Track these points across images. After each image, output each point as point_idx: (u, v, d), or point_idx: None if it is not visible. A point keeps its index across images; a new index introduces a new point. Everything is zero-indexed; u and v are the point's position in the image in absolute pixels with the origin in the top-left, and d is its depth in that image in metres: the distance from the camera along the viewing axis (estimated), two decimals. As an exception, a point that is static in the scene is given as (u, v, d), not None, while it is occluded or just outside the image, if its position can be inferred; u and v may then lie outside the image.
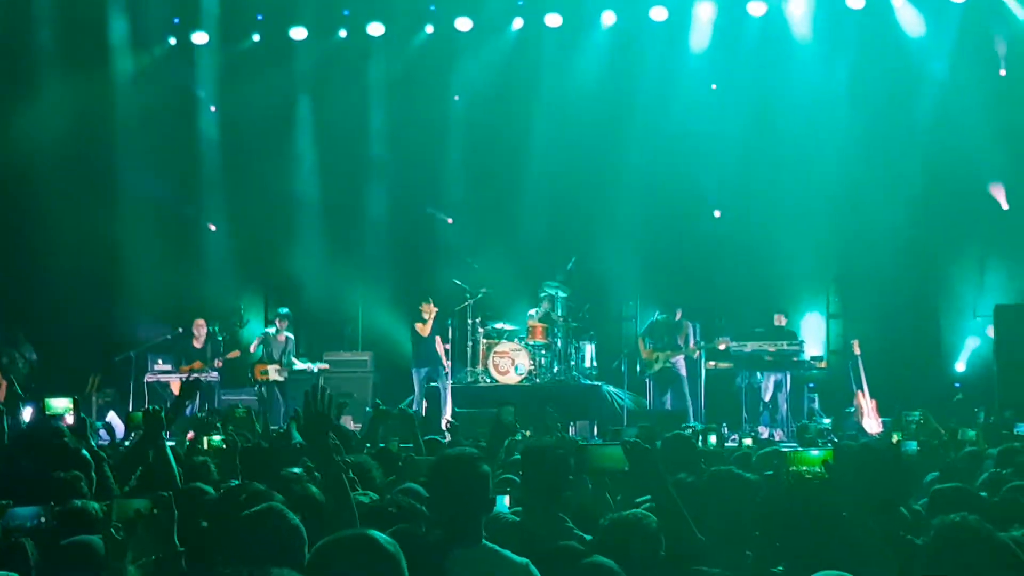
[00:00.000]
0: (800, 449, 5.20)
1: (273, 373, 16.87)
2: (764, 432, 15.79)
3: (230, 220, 19.36)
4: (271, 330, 17.37)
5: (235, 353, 17.27)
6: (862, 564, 4.11)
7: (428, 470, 4.82)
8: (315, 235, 19.62)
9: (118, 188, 18.65)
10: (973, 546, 3.82)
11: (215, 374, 16.90)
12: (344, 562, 3.31)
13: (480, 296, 17.53)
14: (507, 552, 4.61)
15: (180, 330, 17.40)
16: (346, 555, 3.34)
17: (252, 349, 17.25)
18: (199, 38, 18.99)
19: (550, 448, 5.57)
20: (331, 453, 4.64)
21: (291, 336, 17.26)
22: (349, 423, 14.28)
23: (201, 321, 17.40)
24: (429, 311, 16.93)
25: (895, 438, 10.70)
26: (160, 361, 16.95)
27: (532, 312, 17.29)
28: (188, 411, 16.30)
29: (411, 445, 8.74)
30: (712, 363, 16.61)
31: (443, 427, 13.40)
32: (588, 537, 4.98)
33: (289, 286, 19.31)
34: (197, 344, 17.25)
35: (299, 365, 17.05)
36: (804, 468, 4.99)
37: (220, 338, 17.39)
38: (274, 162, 19.64)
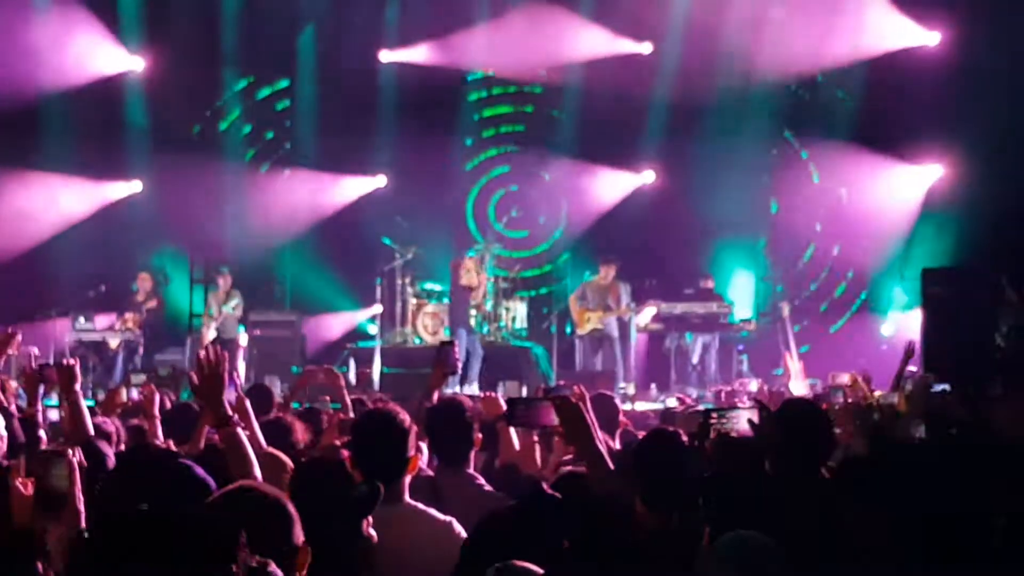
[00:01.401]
0: (725, 410, 5.14)
1: (211, 333, 16.63)
2: (693, 393, 15.85)
3: (153, 177, 18.96)
4: (217, 292, 17.10)
5: (153, 303, 17.00)
6: (787, 523, 4.09)
7: (349, 428, 4.74)
8: (240, 193, 19.34)
9: (39, 142, 18.21)
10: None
11: (138, 332, 16.66)
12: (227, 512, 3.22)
13: (410, 256, 17.41)
14: (431, 510, 4.55)
15: (103, 288, 17.14)
16: (229, 506, 3.27)
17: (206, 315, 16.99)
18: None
19: (456, 406, 5.50)
20: (225, 412, 4.51)
21: (237, 294, 17.01)
22: (276, 384, 14.10)
23: (145, 275, 17.16)
24: None
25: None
26: (82, 318, 16.68)
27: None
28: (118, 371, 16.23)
29: (339, 405, 8.65)
30: (642, 324, 16.61)
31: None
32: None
33: (214, 245, 19.04)
34: (139, 299, 17.00)
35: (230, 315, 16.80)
36: (729, 429, 4.95)
37: (160, 291, 17.21)
38: (199, 114, 19.33)
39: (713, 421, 4.90)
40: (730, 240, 18.49)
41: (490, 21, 18.42)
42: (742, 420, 4.89)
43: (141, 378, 12.12)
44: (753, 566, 3.65)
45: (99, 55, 18.33)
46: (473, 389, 14.75)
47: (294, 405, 8.85)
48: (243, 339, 16.85)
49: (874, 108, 17.87)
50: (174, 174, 18.77)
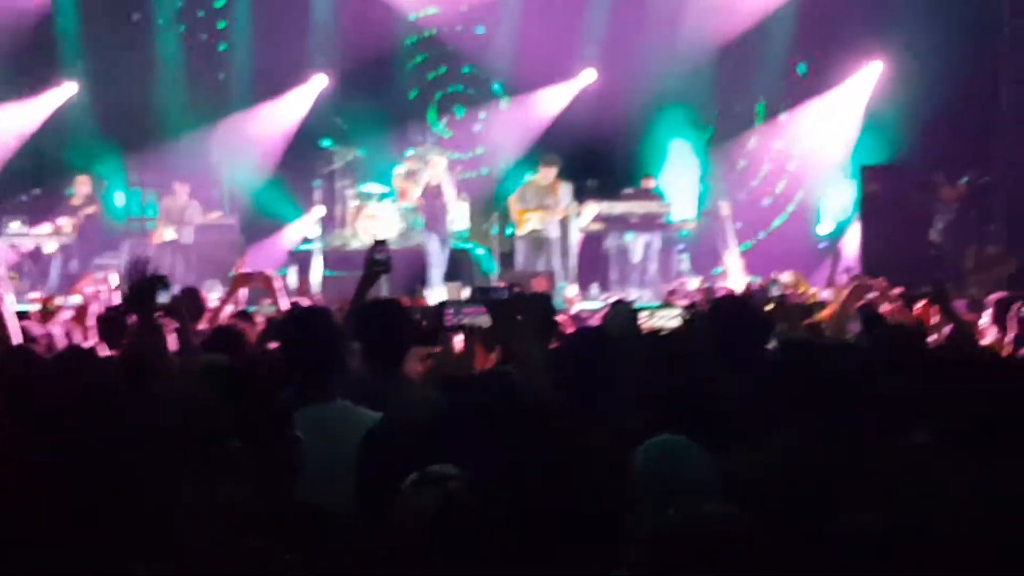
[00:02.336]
0: (654, 306, 5.16)
1: (168, 233, 16.48)
2: (634, 294, 15.93)
3: (89, 76, 18.60)
4: (169, 197, 16.90)
5: (92, 208, 16.77)
6: (720, 418, 4.12)
7: (278, 327, 4.71)
8: (178, 95, 19.05)
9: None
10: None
11: (75, 236, 16.46)
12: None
13: (350, 158, 17.27)
14: (361, 408, 4.54)
15: (37, 191, 16.88)
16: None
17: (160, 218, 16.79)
18: None
19: (388, 306, 5.46)
20: (154, 321, 4.47)
21: (195, 203, 16.84)
22: (217, 287, 14.01)
23: (83, 178, 16.89)
24: None
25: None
26: (16, 223, 16.43)
27: (399, 172, 17.09)
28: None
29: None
30: (582, 224, 16.60)
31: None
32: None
33: (152, 148, 18.77)
34: (76, 203, 16.76)
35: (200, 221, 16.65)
36: (660, 324, 4.96)
37: (102, 197, 16.98)
38: (132, 13, 19.00)
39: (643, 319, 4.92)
40: (672, 139, 18.51)
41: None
42: (673, 317, 4.91)
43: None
44: (677, 471, 3.68)
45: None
46: (436, 293, 14.79)
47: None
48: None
49: (814, 17, 17.88)
50: (109, 75, 18.50)
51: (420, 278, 15.25)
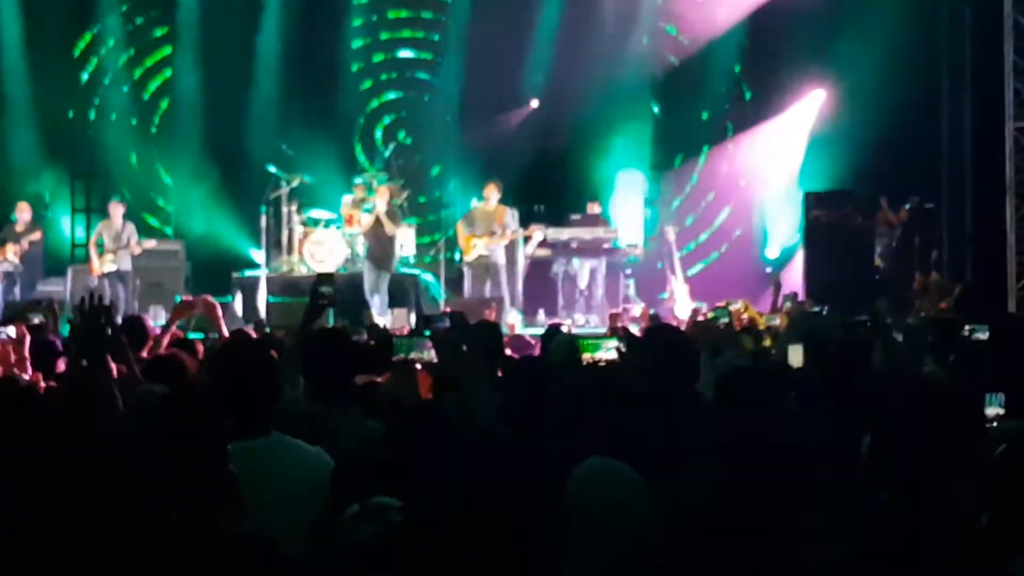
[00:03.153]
0: (596, 336, 5.19)
1: (107, 264, 16.28)
2: (580, 319, 15.98)
3: (32, 101, 18.46)
4: (106, 221, 16.70)
5: (35, 235, 16.60)
6: (651, 448, 4.14)
7: (213, 358, 4.68)
8: (124, 116, 18.96)
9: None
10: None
11: (18, 263, 16.30)
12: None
13: (297, 184, 17.24)
14: (298, 441, 4.52)
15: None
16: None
17: (92, 244, 16.55)
18: None
19: (332, 336, 5.46)
20: (106, 363, 4.43)
21: (131, 226, 16.64)
22: (161, 314, 13.91)
23: (24, 204, 16.71)
24: None
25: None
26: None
27: (346, 200, 17.06)
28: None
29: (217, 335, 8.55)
30: (528, 250, 16.64)
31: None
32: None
33: (97, 171, 18.68)
34: (19, 229, 16.55)
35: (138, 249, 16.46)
36: (598, 354, 4.99)
37: (40, 219, 16.79)
38: (77, 35, 18.90)
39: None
40: (618, 165, 18.59)
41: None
42: (609, 348, 4.93)
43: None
44: (609, 493, 3.70)
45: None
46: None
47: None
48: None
49: (759, 46, 18.09)
50: (54, 97, 18.39)
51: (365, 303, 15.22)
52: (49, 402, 4.31)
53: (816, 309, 10.81)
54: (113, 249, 16.33)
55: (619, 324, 11.60)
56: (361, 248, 16.59)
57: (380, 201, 15.86)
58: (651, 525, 3.71)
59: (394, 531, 3.24)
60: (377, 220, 15.74)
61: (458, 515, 3.32)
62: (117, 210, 16.61)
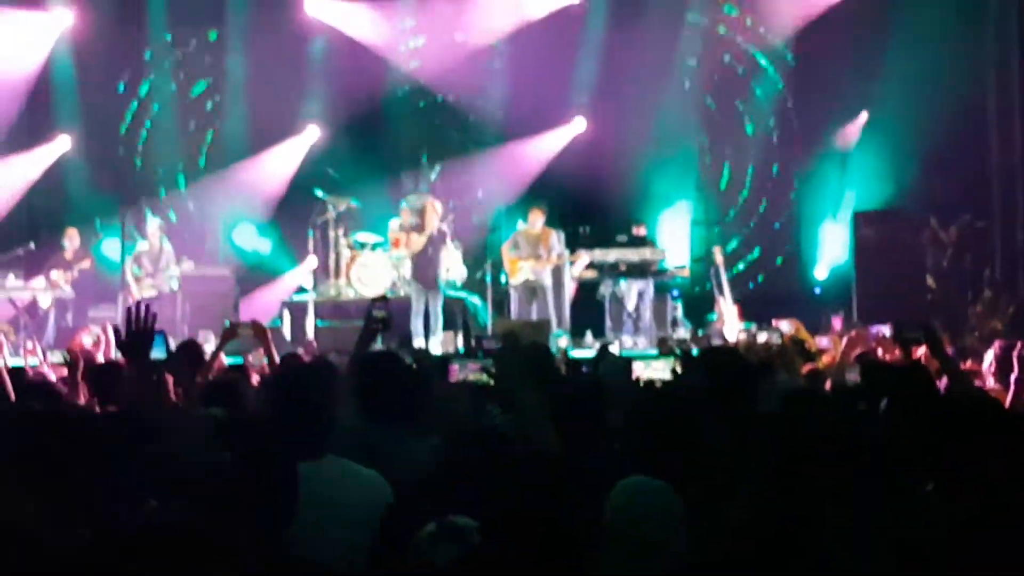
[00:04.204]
0: (647, 356, 5.17)
1: (146, 288, 16.43)
2: (628, 341, 15.91)
3: (84, 131, 18.70)
4: (144, 244, 16.89)
5: (85, 261, 16.77)
6: (710, 468, 4.11)
7: (270, 382, 4.70)
8: (171, 145, 19.16)
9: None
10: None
11: (69, 289, 16.47)
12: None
13: (343, 208, 17.31)
14: (354, 464, 4.52)
15: (32, 245, 16.88)
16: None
17: (129, 268, 16.72)
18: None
19: (387, 360, 5.46)
20: (150, 371, 4.45)
21: (168, 248, 16.80)
22: (210, 338, 13.98)
23: (73, 231, 16.89)
24: None
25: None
26: (11, 276, 16.42)
27: (392, 224, 17.12)
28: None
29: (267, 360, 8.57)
30: (575, 272, 16.61)
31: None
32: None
33: (146, 196, 18.86)
34: (68, 257, 16.74)
35: (176, 274, 16.59)
36: (654, 375, 4.96)
37: (90, 248, 16.98)
38: (127, 69, 19.11)
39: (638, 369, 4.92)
40: (664, 185, 18.57)
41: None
42: (665, 368, 4.91)
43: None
44: (647, 512, 3.67)
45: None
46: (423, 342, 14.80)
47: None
48: (174, 287, 16.69)
49: (804, 67, 18.04)
50: (103, 128, 18.63)
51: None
52: (106, 428, 4.32)
53: (875, 330, 10.67)
54: (152, 272, 16.47)
55: (668, 346, 11.50)
56: (407, 270, 16.64)
57: (432, 219, 15.87)
58: (688, 546, 3.69)
59: (475, 554, 3.22)
60: (428, 239, 15.75)
61: (531, 538, 3.30)
62: (155, 233, 16.75)
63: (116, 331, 4.55)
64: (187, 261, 16.79)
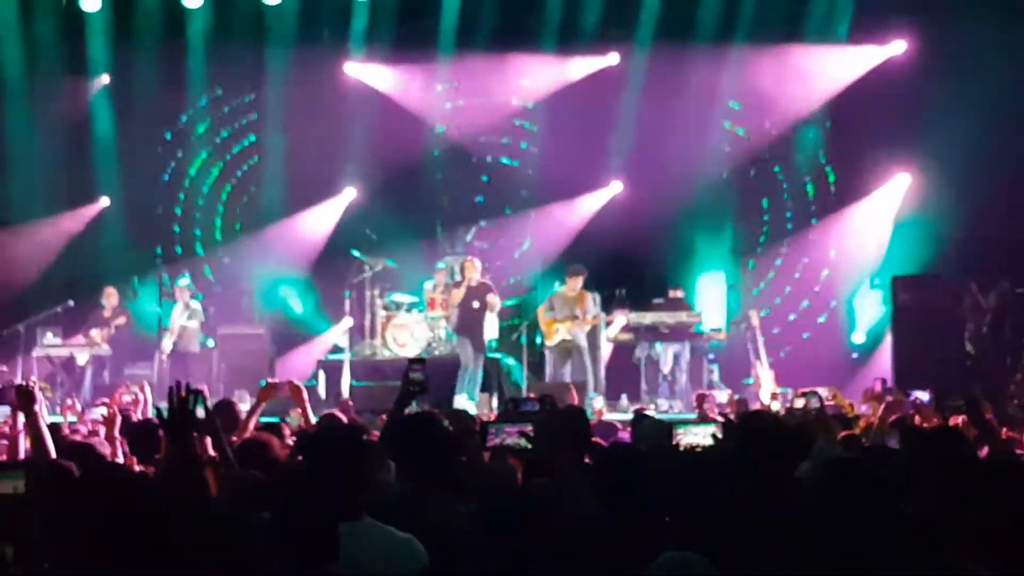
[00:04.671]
0: (688, 421, 5.13)
1: (175, 346, 16.58)
2: (664, 404, 15.83)
3: (123, 190, 18.91)
4: (178, 307, 17.03)
5: (122, 319, 16.90)
6: (751, 536, 4.06)
7: (308, 444, 4.68)
8: (209, 204, 19.34)
9: (4, 157, 18.15)
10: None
11: (106, 347, 16.59)
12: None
13: (379, 268, 17.38)
14: (390, 528, 4.50)
15: (71, 302, 17.03)
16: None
17: (161, 327, 16.87)
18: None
19: (422, 421, 5.43)
20: (191, 447, 4.46)
21: (197, 306, 16.93)
22: (245, 398, 14.01)
23: (111, 290, 17.04)
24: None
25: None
26: (50, 334, 16.56)
27: (428, 285, 17.18)
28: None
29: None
30: (611, 334, 16.58)
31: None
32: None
33: (184, 259, 19.03)
34: (106, 315, 16.88)
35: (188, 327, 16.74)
36: (693, 441, 4.92)
37: (128, 305, 17.13)
38: (167, 128, 19.37)
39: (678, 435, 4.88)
40: (700, 248, 18.56)
41: (453, 57, 18.53)
42: (705, 434, 4.86)
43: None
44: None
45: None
46: (463, 402, 14.80)
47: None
48: (205, 345, 16.80)
49: (842, 130, 18.04)
50: (142, 187, 18.84)
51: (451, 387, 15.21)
52: (143, 490, 4.31)
53: (913, 396, 10.55)
54: (181, 332, 16.61)
55: (706, 405, 11.39)
56: (442, 330, 16.67)
57: (472, 273, 15.89)
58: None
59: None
60: (468, 292, 15.77)
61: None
62: (184, 293, 16.91)
63: (158, 412, 4.55)
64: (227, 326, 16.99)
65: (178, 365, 16.24)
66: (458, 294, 15.85)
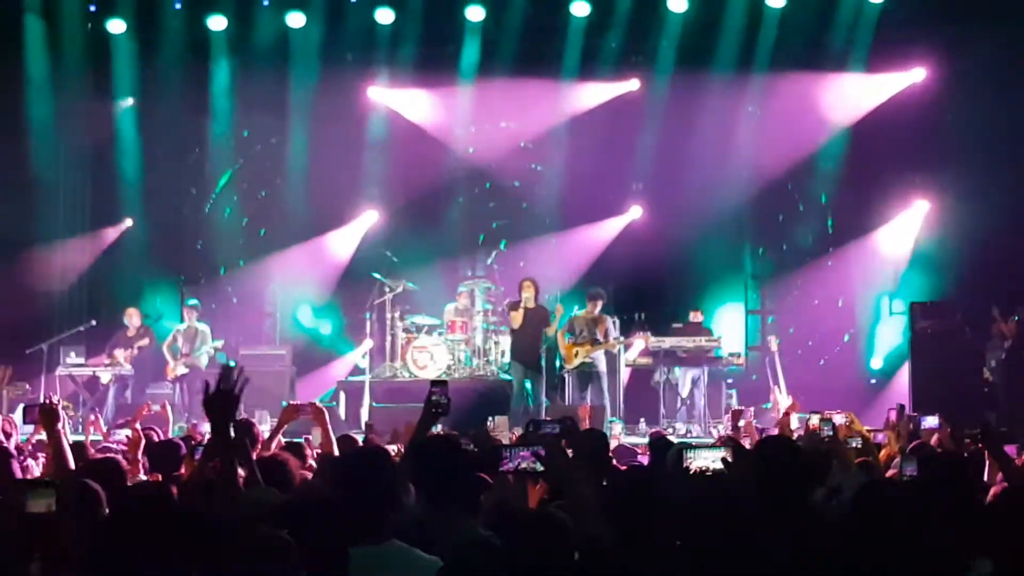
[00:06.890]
0: (699, 445, 5.18)
1: (182, 367, 16.72)
2: (682, 428, 15.86)
3: (146, 212, 19.07)
4: (181, 325, 17.24)
5: (144, 341, 17.05)
6: (762, 559, 4.11)
7: (333, 465, 4.75)
8: (233, 228, 19.48)
9: (30, 178, 18.30)
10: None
11: (128, 367, 16.73)
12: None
13: (400, 290, 17.47)
14: (415, 550, 4.56)
15: (94, 322, 17.20)
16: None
17: (167, 347, 17.06)
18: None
19: (445, 444, 5.48)
20: (229, 435, 4.54)
21: (203, 328, 17.09)
22: (266, 418, 14.10)
23: (133, 311, 17.19)
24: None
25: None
26: (73, 354, 16.71)
27: (449, 307, 17.28)
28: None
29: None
30: (630, 358, 16.64)
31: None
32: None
33: (206, 280, 19.17)
34: (130, 335, 17.03)
35: (206, 355, 16.89)
36: (705, 465, 4.97)
37: (150, 323, 17.28)
38: (189, 151, 19.52)
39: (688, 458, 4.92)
40: (719, 273, 18.60)
41: (474, 82, 18.65)
42: (715, 457, 4.91)
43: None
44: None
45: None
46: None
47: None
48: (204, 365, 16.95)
49: (861, 157, 18.06)
50: (165, 209, 18.99)
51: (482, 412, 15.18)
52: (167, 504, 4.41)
53: (928, 423, 10.53)
54: (187, 353, 16.76)
55: (742, 422, 11.19)
56: (462, 352, 16.79)
57: (529, 295, 16.04)
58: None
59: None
60: (525, 315, 15.89)
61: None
62: (191, 315, 17.09)
63: (206, 384, 4.62)
64: (219, 340, 17.05)
65: (196, 384, 16.37)
66: (517, 316, 16.00)
